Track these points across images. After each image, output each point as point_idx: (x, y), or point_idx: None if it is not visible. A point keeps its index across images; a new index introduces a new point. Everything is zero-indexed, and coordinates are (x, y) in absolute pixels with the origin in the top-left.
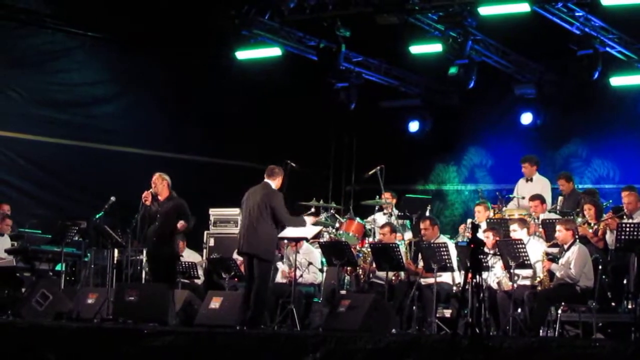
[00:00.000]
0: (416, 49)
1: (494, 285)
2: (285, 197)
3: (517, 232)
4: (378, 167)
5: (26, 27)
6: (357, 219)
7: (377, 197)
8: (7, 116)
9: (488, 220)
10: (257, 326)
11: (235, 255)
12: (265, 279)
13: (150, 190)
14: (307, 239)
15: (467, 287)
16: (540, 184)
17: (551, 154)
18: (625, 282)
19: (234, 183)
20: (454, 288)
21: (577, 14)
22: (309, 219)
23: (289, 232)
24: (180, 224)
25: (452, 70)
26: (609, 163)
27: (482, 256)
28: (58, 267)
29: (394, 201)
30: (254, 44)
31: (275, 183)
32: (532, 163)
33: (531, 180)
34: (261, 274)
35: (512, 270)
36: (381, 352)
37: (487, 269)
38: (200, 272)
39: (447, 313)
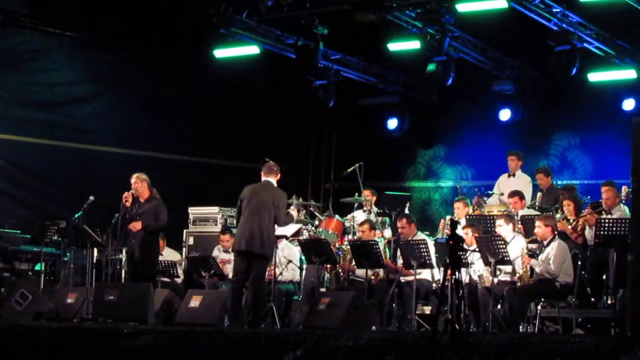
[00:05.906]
0: (394, 47)
1: (475, 278)
2: None
3: (502, 227)
4: (357, 165)
5: (3, 27)
6: (337, 216)
7: (357, 194)
8: None
9: (467, 217)
10: (258, 326)
11: (215, 253)
12: (262, 279)
13: (131, 191)
14: (286, 237)
15: (446, 283)
16: (522, 181)
17: (530, 150)
18: (604, 277)
19: (213, 181)
20: (434, 285)
21: (554, 9)
22: (294, 213)
23: None
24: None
25: (431, 67)
26: (587, 158)
27: (461, 252)
28: (37, 267)
29: (374, 199)
30: (232, 42)
31: (276, 180)
32: (519, 158)
33: (513, 175)
34: (259, 273)
35: (493, 265)
36: (361, 349)
37: (467, 265)
38: (180, 271)
39: (427, 310)
